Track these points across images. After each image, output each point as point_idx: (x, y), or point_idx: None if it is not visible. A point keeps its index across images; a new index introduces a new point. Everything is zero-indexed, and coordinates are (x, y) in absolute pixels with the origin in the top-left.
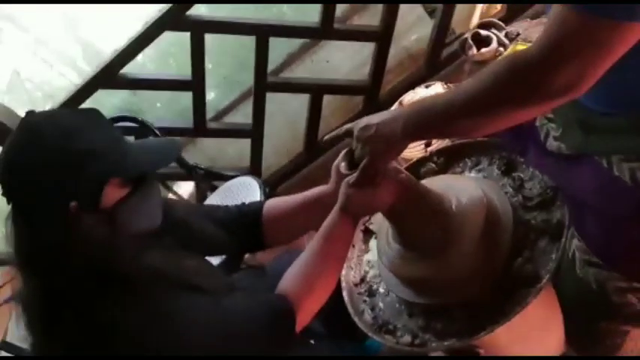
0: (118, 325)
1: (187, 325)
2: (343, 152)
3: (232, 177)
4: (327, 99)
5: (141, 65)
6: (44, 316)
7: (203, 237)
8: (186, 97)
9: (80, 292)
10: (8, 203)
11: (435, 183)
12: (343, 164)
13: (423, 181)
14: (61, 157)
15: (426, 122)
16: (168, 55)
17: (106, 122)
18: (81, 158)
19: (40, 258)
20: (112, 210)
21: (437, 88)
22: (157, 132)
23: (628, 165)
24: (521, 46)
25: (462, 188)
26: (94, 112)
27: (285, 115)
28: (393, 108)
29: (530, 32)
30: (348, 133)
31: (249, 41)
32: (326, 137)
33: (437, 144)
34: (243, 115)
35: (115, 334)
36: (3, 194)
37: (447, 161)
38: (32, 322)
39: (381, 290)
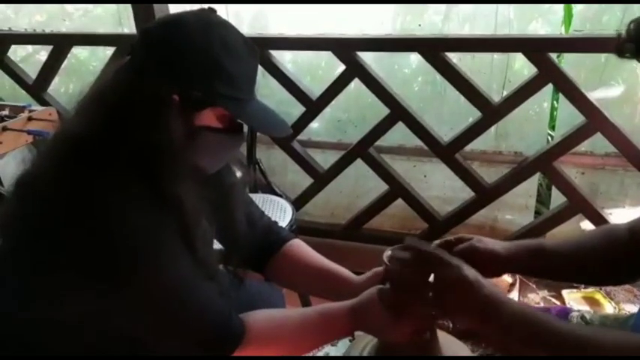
0: (109, 213)
1: (159, 267)
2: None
3: (277, 194)
4: (396, 203)
5: None
6: (66, 151)
7: (228, 217)
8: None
9: (108, 167)
10: (128, 54)
11: (452, 344)
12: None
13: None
14: (204, 55)
15: (531, 338)
16: None
17: (256, 69)
18: (218, 71)
19: (108, 107)
20: (194, 129)
21: None
22: None
23: None
24: (599, 295)
25: None
26: (257, 53)
27: (359, 187)
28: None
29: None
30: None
31: (381, 108)
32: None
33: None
34: (322, 160)
35: (97, 219)
36: (134, 46)
37: None
38: (52, 150)
39: None
